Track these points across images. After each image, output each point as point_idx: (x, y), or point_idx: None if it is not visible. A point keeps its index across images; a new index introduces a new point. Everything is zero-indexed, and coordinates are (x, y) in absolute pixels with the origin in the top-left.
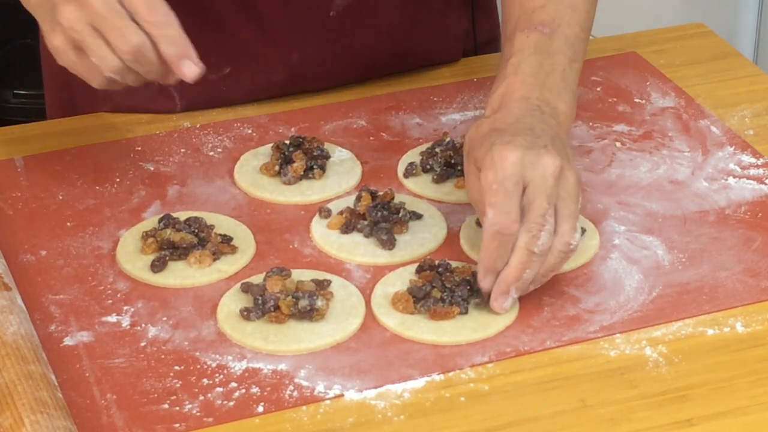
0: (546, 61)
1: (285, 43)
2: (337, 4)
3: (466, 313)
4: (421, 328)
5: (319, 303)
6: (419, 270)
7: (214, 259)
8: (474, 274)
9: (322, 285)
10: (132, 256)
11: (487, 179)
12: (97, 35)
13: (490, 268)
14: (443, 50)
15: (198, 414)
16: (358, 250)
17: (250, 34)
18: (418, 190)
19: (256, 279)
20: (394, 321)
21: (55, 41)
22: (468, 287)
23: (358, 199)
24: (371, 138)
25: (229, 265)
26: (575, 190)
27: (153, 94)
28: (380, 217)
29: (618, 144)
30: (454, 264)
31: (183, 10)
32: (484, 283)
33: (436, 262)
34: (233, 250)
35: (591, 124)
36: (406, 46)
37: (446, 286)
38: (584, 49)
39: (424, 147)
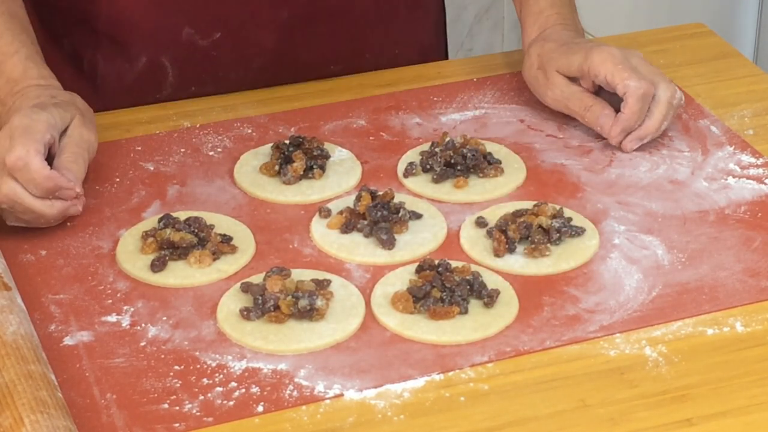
0: None
1: (275, 1)
2: None
3: (465, 312)
4: (421, 328)
5: (319, 303)
6: (419, 270)
7: (214, 259)
8: (474, 274)
9: (322, 285)
10: (132, 255)
11: (613, 60)
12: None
13: (630, 127)
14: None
15: (198, 414)
16: (358, 250)
17: None
18: (417, 190)
19: (256, 279)
20: (394, 321)
21: None
22: (468, 287)
23: (358, 198)
24: (371, 138)
25: (229, 265)
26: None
27: (145, 66)
28: (380, 216)
29: None
30: (454, 264)
31: None
32: (618, 139)
33: (436, 262)
34: (233, 250)
35: None
36: (395, 5)
37: (446, 286)
38: None
39: (424, 147)
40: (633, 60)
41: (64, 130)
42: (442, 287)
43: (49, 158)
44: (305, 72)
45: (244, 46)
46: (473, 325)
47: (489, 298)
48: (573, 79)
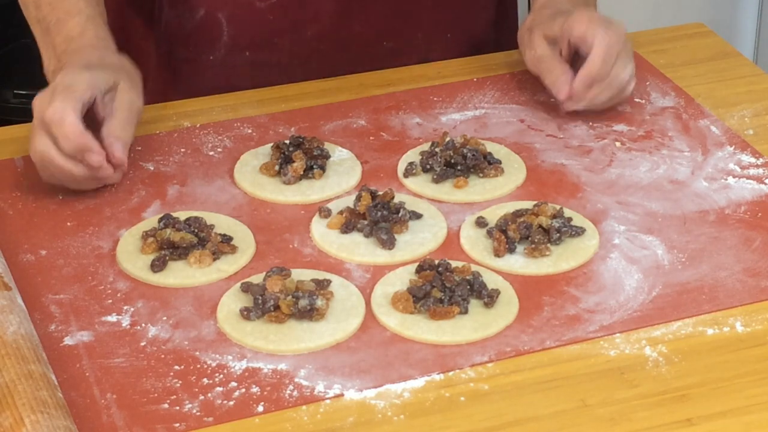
0: None
1: None
2: None
3: (465, 312)
4: (421, 328)
5: (319, 303)
6: (419, 270)
7: (214, 259)
8: (474, 274)
9: (322, 285)
10: (132, 255)
11: (590, 18)
12: (42, 130)
13: (600, 77)
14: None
15: (198, 414)
16: (358, 249)
17: None
18: (418, 190)
19: (256, 279)
20: (394, 321)
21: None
22: (468, 287)
23: (358, 198)
24: (371, 138)
25: (229, 265)
26: None
27: (202, 18)
28: (380, 216)
29: (618, 144)
30: (454, 264)
31: None
32: (576, 88)
33: (436, 262)
34: (233, 249)
35: (591, 123)
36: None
37: (446, 286)
38: None
39: (424, 147)
40: (612, 27)
41: (113, 94)
42: (442, 287)
43: (95, 124)
44: (358, 46)
45: (300, 12)
46: (473, 325)
47: (489, 298)
48: (554, 44)
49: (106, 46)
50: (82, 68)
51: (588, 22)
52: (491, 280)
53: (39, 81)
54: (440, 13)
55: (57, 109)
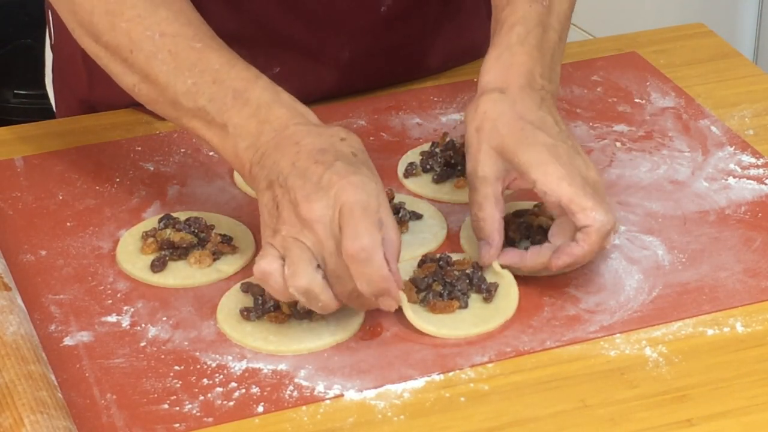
0: (545, 36)
1: (335, 41)
2: None
3: (465, 307)
4: (421, 318)
5: None
6: (420, 265)
7: (214, 259)
8: (474, 266)
9: None
10: (132, 256)
11: (570, 180)
12: (304, 252)
13: (578, 264)
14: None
15: (198, 414)
16: None
17: (298, 33)
18: (418, 190)
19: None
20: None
21: (265, 231)
22: (467, 281)
23: None
24: (371, 138)
25: (229, 265)
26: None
27: None
28: None
29: (618, 144)
30: (454, 257)
31: (226, 10)
32: (554, 266)
33: (437, 256)
34: (233, 250)
35: (591, 124)
36: (452, 38)
37: (446, 280)
38: (568, 28)
39: (424, 147)
40: (582, 171)
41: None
42: (442, 282)
43: None
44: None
45: (304, 81)
46: (473, 320)
47: (488, 292)
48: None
49: (314, 120)
50: (364, 169)
51: (570, 186)
52: (492, 274)
53: (39, 81)
54: (448, 51)
55: (365, 245)
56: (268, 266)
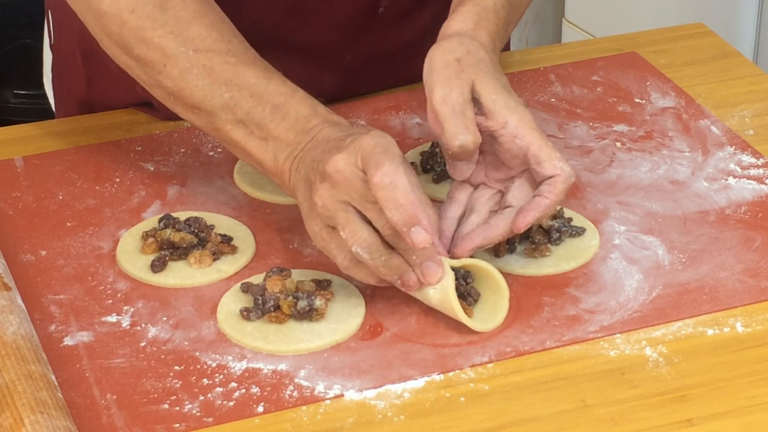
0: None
1: (335, 44)
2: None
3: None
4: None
5: (318, 303)
6: None
7: (214, 259)
8: (464, 274)
9: (322, 285)
10: (132, 256)
11: (541, 134)
12: (349, 210)
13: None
14: None
15: (198, 414)
16: None
17: (298, 36)
18: None
19: (256, 279)
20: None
21: (312, 225)
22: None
23: None
24: None
25: (229, 265)
26: None
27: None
28: None
29: (618, 144)
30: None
31: (228, 13)
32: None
33: None
34: (233, 250)
35: (591, 124)
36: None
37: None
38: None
39: (424, 147)
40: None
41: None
42: None
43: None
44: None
45: (306, 86)
46: (474, 319)
47: (474, 300)
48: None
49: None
50: (380, 132)
51: (541, 138)
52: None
53: (39, 81)
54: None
55: (388, 171)
56: (325, 243)
